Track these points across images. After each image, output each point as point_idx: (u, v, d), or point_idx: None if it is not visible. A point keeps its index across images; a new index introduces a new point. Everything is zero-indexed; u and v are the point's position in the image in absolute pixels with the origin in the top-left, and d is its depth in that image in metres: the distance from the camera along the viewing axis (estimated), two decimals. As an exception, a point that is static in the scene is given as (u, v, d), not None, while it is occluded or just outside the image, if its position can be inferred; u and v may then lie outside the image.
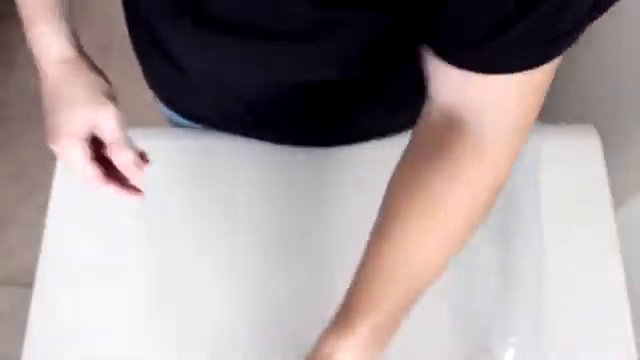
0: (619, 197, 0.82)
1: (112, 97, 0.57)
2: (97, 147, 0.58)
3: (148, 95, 0.82)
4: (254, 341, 0.74)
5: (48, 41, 0.57)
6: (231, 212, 0.80)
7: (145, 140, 0.63)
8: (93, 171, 0.56)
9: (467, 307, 0.72)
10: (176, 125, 0.87)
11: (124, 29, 0.73)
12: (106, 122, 0.55)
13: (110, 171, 0.59)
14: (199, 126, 0.84)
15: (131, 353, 0.75)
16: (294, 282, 0.76)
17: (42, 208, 0.81)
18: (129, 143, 0.56)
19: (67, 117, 0.55)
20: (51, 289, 0.77)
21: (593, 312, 0.73)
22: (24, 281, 1.56)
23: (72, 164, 0.57)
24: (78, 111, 0.55)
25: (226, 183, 0.81)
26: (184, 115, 0.83)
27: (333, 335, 0.49)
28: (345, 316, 0.49)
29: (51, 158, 0.85)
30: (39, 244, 0.79)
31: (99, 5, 1.79)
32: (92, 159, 0.56)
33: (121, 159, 0.56)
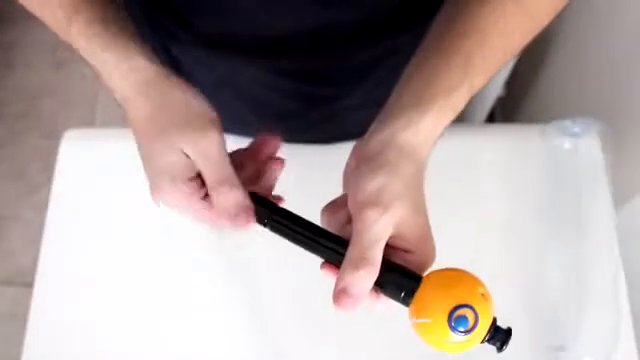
0: (619, 197, 0.82)
1: (211, 120, 0.45)
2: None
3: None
4: (258, 336, 0.74)
5: (112, 69, 0.46)
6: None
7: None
8: (201, 214, 0.47)
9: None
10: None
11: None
12: (204, 155, 0.44)
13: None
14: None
15: (131, 353, 0.75)
16: (296, 279, 0.76)
17: (42, 208, 0.81)
18: (233, 180, 0.45)
19: (165, 156, 0.45)
20: (51, 289, 0.77)
21: (594, 311, 0.73)
22: (24, 281, 1.57)
23: (179, 211, 0.48)
24: (172, 147, 0.44)
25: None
26: None
27: (410, 108, 0.45)
28: (426, 83, 0.45)
29: (51, 158, 0.86)
30: (39, 244, 0.79)
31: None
32: (200, 199, 0.46)
33: (220, 203, 0.45)
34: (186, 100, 0.45)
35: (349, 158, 0.47)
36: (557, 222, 0.77)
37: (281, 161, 0.51)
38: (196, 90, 0.47)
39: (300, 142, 0.82)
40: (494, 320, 0.42)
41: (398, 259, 0.43)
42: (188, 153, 0.44)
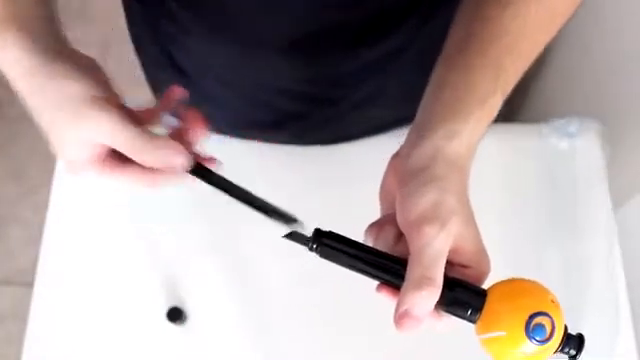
0: (619, 197, 0.82)
1: (95, 99, 0.43)
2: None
3: (148, 97, 0.82)
4: (259, 337, 0.74)
5: (8, 53, 0.44)
6: (234, 213, 0.80)
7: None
8: (122, 176, 0.45)
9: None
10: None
11: (124, 30, 0.73)
12: (100, 136, 0.42)
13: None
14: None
15: (131, 353, 0.75)
16: (299, 281, 0.76)
17: (42, 208, 0.81)
18: (148, 138, 0.43)
19: (59, 143, 0.44)
20: (51, 289, 0.77)
21: (593, 311, 0.73)
22: (24, 281, 1.57)
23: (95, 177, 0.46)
24: (64, 135, 0.43)
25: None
26: None
27: (444, 122, 0.43)
28: (457, 98, 0.44)
29: (51, 158, 0.86)
30: (39, 244, 0.79)
31: (99, 5, 1.80)
32: (106, 165, 0.45)
33: (150, 162, 0.44)
34: (63, 87, 0.43)
35: (385, 175, 0.46)
36: (555, 222, 0.77)
37: (215, 161, 0.48)
38: (74, 70, 0.44)
39: (302, 144, 0.82)
40: (566, 327, 0.40)
41: (456, 275, 0.42)
42: (89, 138, 0.43)
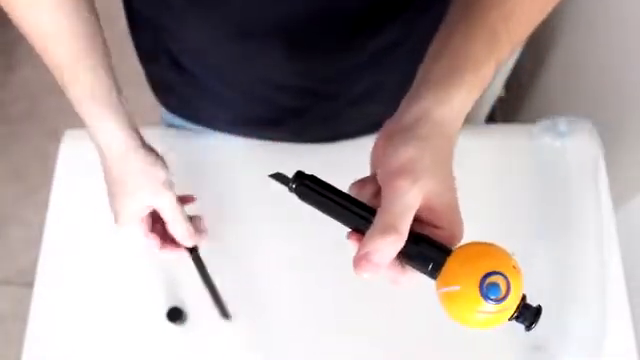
0: (619, 197, 0.82)
1: (168, 183, 0.61)
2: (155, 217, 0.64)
3: (148, 97, 0.82)
4: (259, 337, 0.74)
5: (112, 136, 0.58)
6: (233, 212, 0.80)
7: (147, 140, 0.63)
8: (150, 242, 0.63)
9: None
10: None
11: (124, 30, 0.73)
12: (164, 207, 0.61)
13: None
14: (199, 128, 0.85)
15: (131, 353, 0.75)
16: (300, 282, 0.76)
17: (42, 208, 0.81)
18: (184, 218, 0.63)
19: (130, 202, 0.60)
20: (51, 289, 0.77)
21: (592, 312, 0.73)
22: (24, 281, 1.57)
23: (134, 237, 0.63)
24: (140, 198, 0.60)
25: (228, 182, 0.81)
26: (192, 120, 0.83)
27: (439, 87, 0.45)
28: (455, 65, 0.46)
29: (51, 158, 0.86)
30: (39, 244, 0.79)
31: (99, 5, 1.80)
32: (149, 232, 0.62)
33: (176, 234, 0.63)
34: (151, 171, 0.60)
35: (378, 137, 0.47)
36: (546, 221, 0.77)
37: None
38: (152, 158, 0.60)
39: (300, 142, 0.82)
40: (524, 296, 0.40)
41: (426, 233, 0.43)
42: (151, 205, 0.60)
